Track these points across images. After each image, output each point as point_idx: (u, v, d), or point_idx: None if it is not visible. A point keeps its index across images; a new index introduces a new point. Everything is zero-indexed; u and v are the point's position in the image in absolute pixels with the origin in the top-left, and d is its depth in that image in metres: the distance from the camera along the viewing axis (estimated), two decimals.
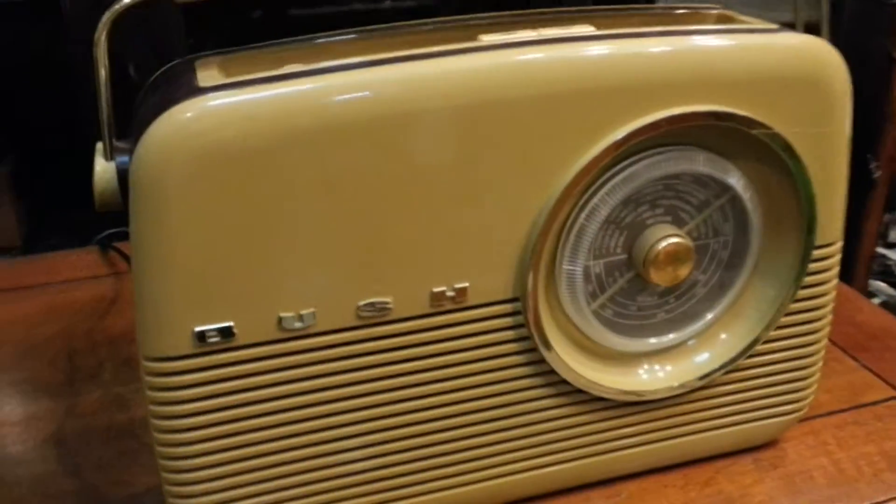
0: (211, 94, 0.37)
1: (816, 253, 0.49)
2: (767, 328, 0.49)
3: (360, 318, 0.42)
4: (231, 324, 0.40)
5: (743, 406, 0.52)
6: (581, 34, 0.43)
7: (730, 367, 0.49)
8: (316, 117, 0.38)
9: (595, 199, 0.44)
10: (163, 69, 0.43)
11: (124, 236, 0.89)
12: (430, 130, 0.39)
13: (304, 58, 0.42)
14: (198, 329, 0.40)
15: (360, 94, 0.38)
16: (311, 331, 0.41)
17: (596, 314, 0.47)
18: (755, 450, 0.55)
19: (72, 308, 0.75)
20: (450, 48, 0.41)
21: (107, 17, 0.39)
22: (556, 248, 0.45)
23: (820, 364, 0.53)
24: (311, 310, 0.41)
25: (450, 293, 0.43)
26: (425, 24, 0.45)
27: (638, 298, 0.48)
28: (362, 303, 0.42)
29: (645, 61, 0.42)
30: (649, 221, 0.46)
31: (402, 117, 0.39)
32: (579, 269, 0.45)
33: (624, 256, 0.47)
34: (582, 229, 0.44)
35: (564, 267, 0.45)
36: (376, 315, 0.42)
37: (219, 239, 0.38)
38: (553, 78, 0.41)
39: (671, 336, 0.48)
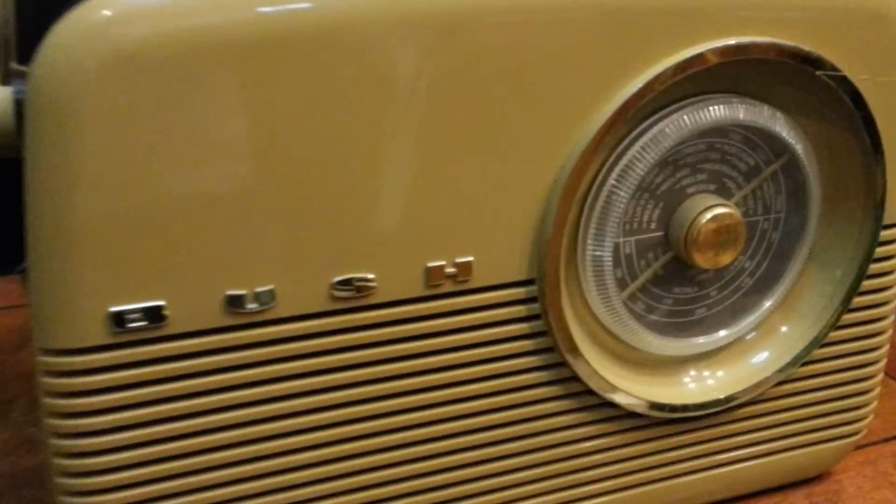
0: None
1: (883, 234, 0.40)
2: (827, 328, 0.41)
3: (334, 299, 0.32)
4: (162, 303, 0.30)
5: (795, 427, 0.43)
6: None
7: (788, 371, 0.40)
8: (262, 28, 0.28)
9: (628, 156, 0.35)
10: None
11: None
12: (411, 58, 0.30)
13: None
14: (115, 310, 0.29)
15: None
16: (270, 316, 0.31)
17: (626, 306, 0.38)
18: (807, 484, 0.46)
19: None
20: None
21: None
22: (579, 219, 0.36)
23: (881, 375, 0.44)
24: (270, 287, 0.31)
25: (450, 270, 0.33)
26: None
27: (674, 290, 0.39)
28: (337, 279, 0.32)
29: None
30: (690, 190, 0.38)
31: (382, 31, 0.30)
32: (608, 247, 0.36)
33: (660, 234, 0.38)
34: (611, 195, 0.35)
35: (589, 244, 0.36)
36: (355, 297, 0.32)
37: (142, 184, 0.28)
38: None
39: (719, 335, 0.39)
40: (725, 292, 0.40)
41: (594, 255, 0.36)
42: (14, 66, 0.31)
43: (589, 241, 0.36)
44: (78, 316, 0.29)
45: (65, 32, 0.27)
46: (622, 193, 0.35)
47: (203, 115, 0.28)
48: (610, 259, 0.36)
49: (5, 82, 0.30)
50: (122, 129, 0.28)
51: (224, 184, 0.29)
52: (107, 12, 0.27)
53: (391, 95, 0.30)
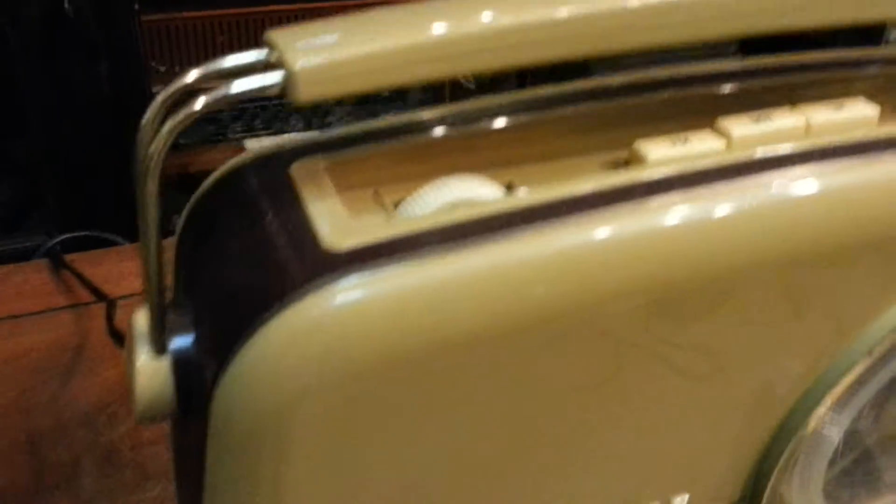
0: (362, 280, 0.21)
1: None
2: None
3: None
4: None
5: None
6: (875, 134, 0.28)
7: None
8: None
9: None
10: (229, 170, 0.27)
11: (80, 245, 0.71)
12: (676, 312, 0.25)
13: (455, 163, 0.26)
14: None
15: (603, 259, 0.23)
16: None
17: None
18: None
19: (24, 363, 0.58)
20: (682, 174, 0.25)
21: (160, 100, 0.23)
22: None
23: None
24: None
25: None
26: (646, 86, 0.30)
27: (871, 467, 0.35)
28: None
29: None
30: None
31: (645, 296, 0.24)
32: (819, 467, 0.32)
33: (868, 421, 0.34)
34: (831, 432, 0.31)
35: (798, 473, 0.31)
36: None
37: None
38: (850, 224, 0.26)
39: None
40: None
41: (803, 480, 0.32)
42: (170, 319, 0.24)
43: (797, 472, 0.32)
44: None
45: (274, 358, 0.21)
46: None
47: (440, 420, 0.23)
48: (821, 476, 0.32)
49: (162, 350, 0.24)
50: (339, 455, 0.22)
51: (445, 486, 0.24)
52: (337, 341, 0.21)
53: (647, 364, 0.25)
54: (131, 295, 0.61)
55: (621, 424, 0.27)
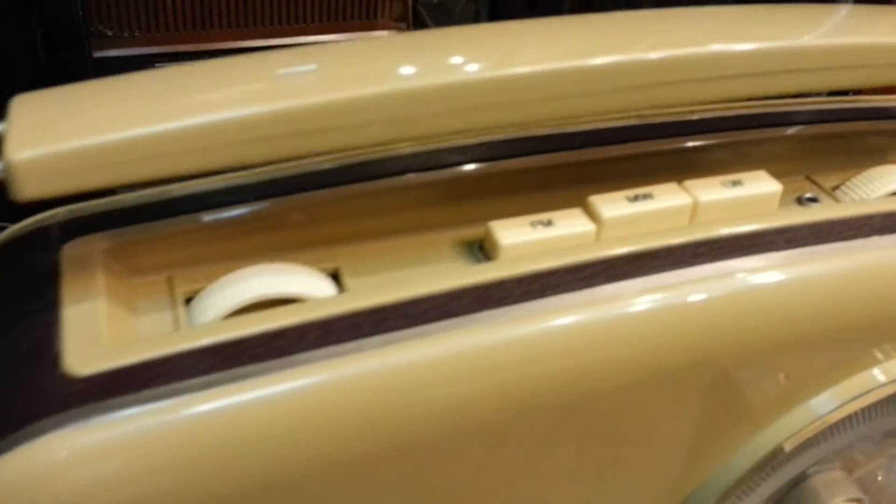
0: (92, 426, 0.17)
1: None
2: None
3: None
4: None
5: None
6: (766, 224, 0.24)
7: None
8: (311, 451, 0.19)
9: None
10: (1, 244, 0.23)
11: None
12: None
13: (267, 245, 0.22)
14: None
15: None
16: None
17: None
18: None
19: None
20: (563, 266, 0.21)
21: None
22: None
23: None
24: None
25: None
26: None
27: None
28: None
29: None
30: (812, 469, 0.30)
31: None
32: None
33: None
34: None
35: None
36: None
37: None
38: (752, 325, 0.22)
39: None
40: None
41: None
42: None
43: None
44: None
45: None
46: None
47: None
48: None
49: None
50: None
51: None
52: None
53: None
54: None
55: None
